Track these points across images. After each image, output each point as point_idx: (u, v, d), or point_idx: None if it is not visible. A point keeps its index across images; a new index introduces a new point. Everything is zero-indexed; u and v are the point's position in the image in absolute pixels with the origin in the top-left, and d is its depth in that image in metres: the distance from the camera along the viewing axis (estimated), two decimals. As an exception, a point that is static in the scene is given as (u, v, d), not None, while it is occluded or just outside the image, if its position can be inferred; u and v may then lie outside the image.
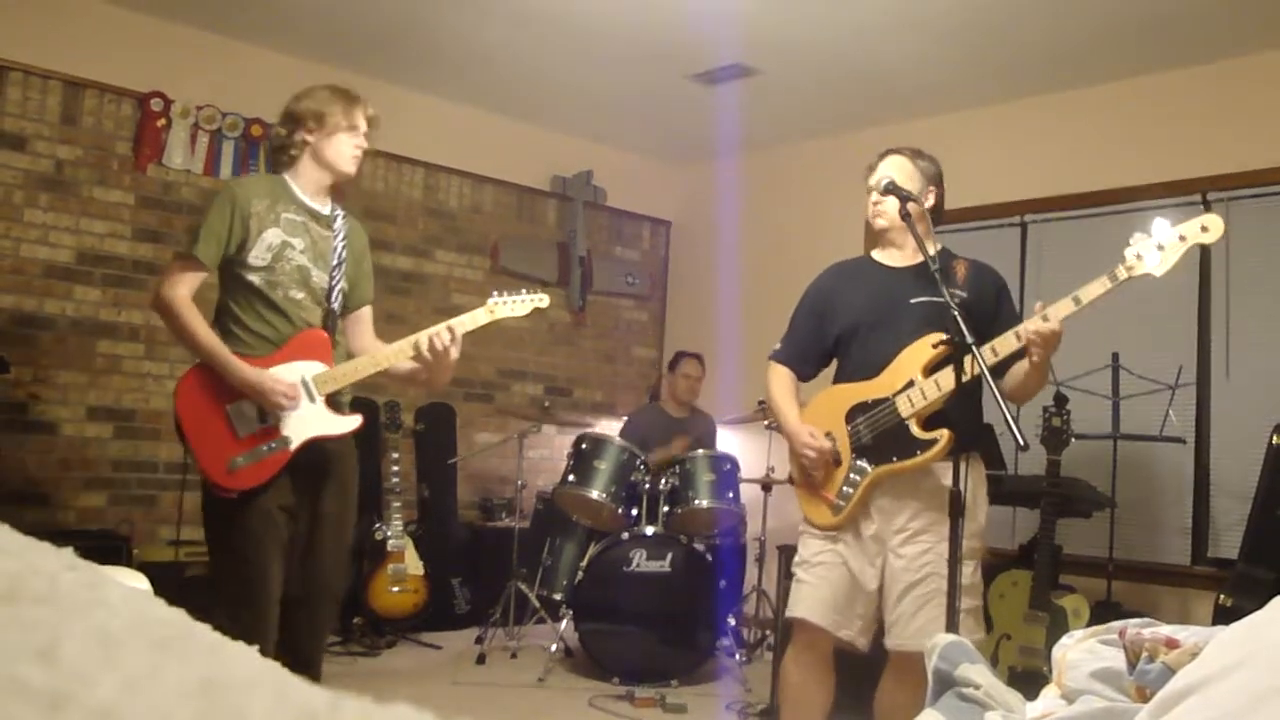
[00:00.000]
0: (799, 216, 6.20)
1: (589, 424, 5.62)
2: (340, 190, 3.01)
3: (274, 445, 2.74)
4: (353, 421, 2.89)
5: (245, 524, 2.71)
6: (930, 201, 2.92)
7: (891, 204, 2.84)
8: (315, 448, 2.80)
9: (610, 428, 5.65)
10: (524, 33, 4.88)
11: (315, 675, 2.96)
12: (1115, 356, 4.27)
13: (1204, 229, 2.53)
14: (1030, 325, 2.60)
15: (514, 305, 3.03)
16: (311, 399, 2.79)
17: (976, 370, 2.49)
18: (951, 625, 2.39)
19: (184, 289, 2.74)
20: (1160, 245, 2.53)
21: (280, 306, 2.79)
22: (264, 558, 2.73)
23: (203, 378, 2.72)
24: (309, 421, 2.79)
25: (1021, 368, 2.74)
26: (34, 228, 4.59)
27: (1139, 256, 2.53)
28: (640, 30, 4.76)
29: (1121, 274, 2.54)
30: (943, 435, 2.69)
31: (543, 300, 3.09)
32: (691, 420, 5.51)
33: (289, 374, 2.76)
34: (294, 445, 2.76)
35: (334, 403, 2.87)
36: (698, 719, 4.12)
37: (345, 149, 2.88)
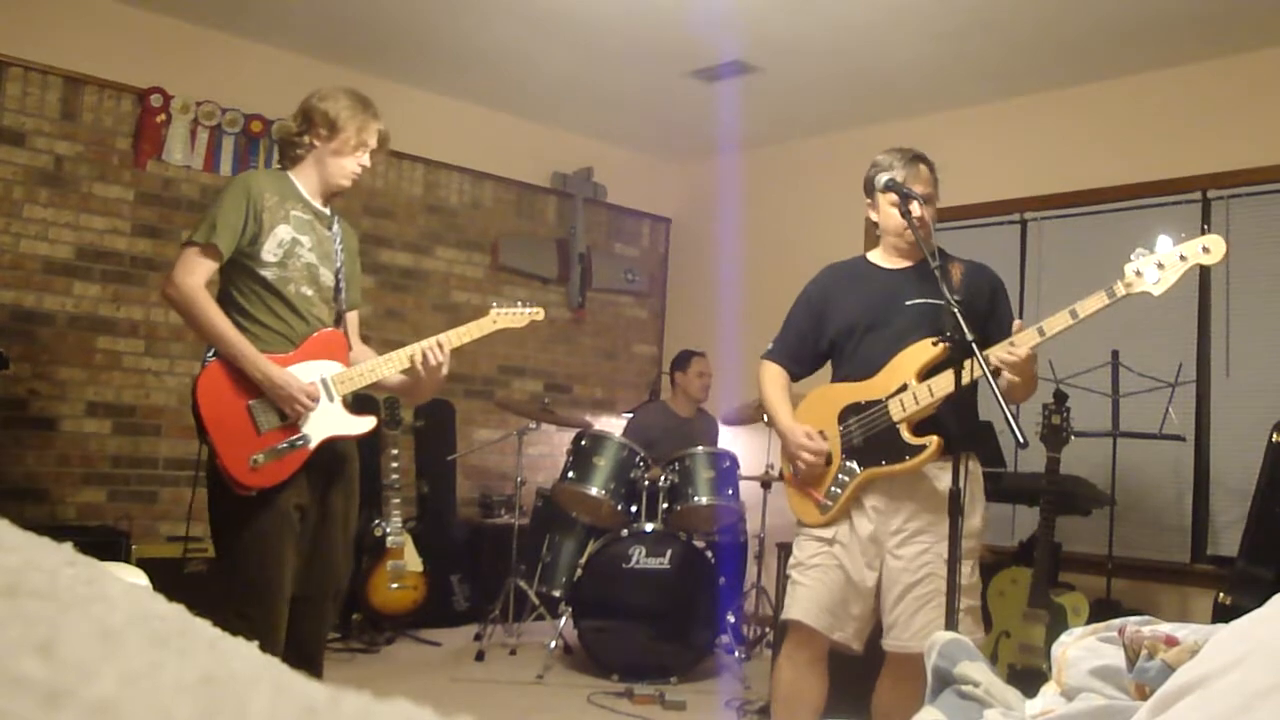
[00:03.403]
0: (799, 213, 6.20)
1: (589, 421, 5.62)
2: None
3: (295, 443, 2.74)
4: (368, 422, 2.91)
5: (262, 522, 2.69)
6: (934, 206, 2.93)
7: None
8: (328, 446, 2.82)
9: (610, 424, 5.65)
10: (525, 29, 4.87)
11: (318, 671, 2.98)
12: (1115, 354, 4.27)
13: (1205, 250, 2.50)
14: (998, 351, 2.60)
15: (513, 317, 3.12)
16: (330, 398, 2.82)
17: (978, 373, 2.49)
18: (950, 625, 2.39)
19: (199, 278, 2.70)
20: (1160, 264, 2.52)
21: (292, 302, 2.79)
22: (279, 556, 2.72)
23: (223, 372, 2.69)
24: (328, 421, 2.81)
25: (1006, 379, 2.73)
26: (33, 223, 4.58)
27: (1138, 273, 2.53)
28: (641, 27, 4.76)
29: (1120, 290, 2.54)
30: (932, 442, 2.70)
31: (538, 313, 3.18)
32: (696, 420, 5.49)
33: (308, 373, 2.78)
34: (313, 444, 2.77)
35: (347, 402, 2.89)
36: (697, 716, 4.12)
37: (348, 165, 2.90)
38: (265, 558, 2.71)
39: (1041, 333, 2.59)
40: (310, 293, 2.84)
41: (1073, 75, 4.98)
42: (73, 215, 4.69)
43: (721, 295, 6.54)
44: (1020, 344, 2.60)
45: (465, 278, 6.07)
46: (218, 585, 2.80)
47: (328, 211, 2.95)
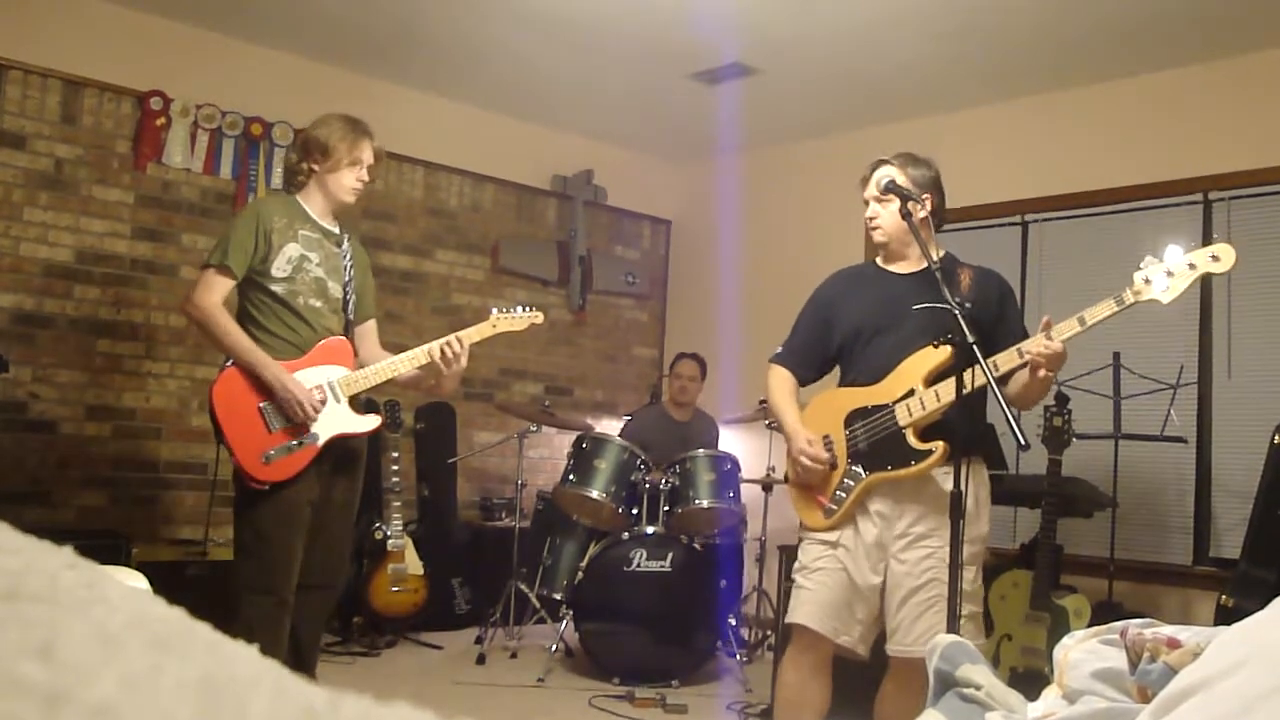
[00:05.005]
0: (799, 215, 6.20)
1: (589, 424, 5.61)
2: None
3: (304, 440, 3.01)
4: (373, 421, 3.19)
5: (275, 515, 2.97)
6: (927, 209, 2.88)
7: (888, 214, 2.85)
8: (338, 444, 3.09)
9: (611, 427, 5.65)
10: (525, 31, 4.88)
11: (311, 659, 3.18)
12: (1116, 356, 4.27)
13: (1215, 258, 2.51)
14: (1033, 345, 2.60)
15: (513, 320, 3.34)
16: (337, 399, 3.08)
17: (981, 381, 2.49)
18: (952, 630, 2.38)
19: (216, 296, 3.02)
20: (1170, 272, 2.52)
21: (301, 313, 3.07)
22: (290, 547, 2.98)
23: (238, 377, 2.98)
24: (335, 420, 3.08)
25: (1022, 378, 2.73)
26: (33, 226, 4.59)
27: (1147, 281, 2.54)
28: (641, 29, 4.76)
29: (1128, 298, 2.54)
30: (938, 447, 2.69)
31: (538, 317, 3.40)
32: (693, 423, 5.49)
33: (314, 377, 3.04)
34: (321, 441, 3.04)
35: (355, 403, 3.15)
36: (698, 719, 4.12)
37: (346, 182, 3.16)
38: (276, 549, 2.96)
39: (1049, 338, 2.59)
40: (319, 304, 3.11)
41: (1073, 76, 4.99)
42: (73, 218, 4.69)
43: (722, 297, 6.54)
44: (1058, 335, 2.59)
45: (465, 280, 6.07)
46: (232, 574, 3.04)
47: (337, 230, 3.22)
